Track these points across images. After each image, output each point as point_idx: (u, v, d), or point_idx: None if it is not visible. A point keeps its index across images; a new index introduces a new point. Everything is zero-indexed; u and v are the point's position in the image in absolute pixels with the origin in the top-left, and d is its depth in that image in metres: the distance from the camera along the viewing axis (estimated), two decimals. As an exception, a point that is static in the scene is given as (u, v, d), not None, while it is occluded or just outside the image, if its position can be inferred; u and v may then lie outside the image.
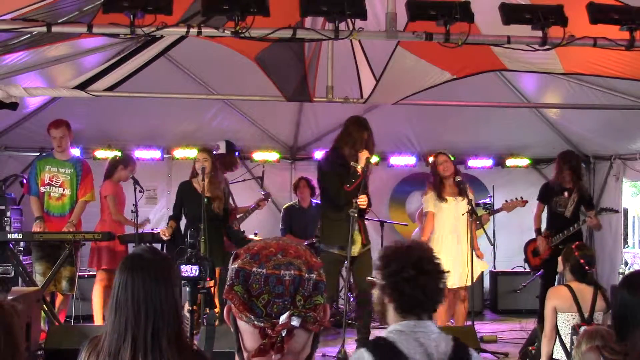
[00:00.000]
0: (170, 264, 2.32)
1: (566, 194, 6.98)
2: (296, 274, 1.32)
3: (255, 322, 1.30)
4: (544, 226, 7.25)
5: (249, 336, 1.33)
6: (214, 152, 6.95)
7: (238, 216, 7.49)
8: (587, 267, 4.39)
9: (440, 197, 6.24)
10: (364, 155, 5.63)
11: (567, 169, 6.96)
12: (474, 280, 6.18)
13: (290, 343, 1.30)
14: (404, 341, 2.26)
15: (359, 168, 5.61)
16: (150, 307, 2.14)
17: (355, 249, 5.76)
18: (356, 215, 5.42)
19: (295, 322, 1.29)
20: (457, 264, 6.17)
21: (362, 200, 5.59)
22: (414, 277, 2.34)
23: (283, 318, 1.29)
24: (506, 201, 6.84)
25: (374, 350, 2.27)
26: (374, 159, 8.92)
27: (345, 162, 5.73)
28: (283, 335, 1.29)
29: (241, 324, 1.34)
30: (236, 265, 1.34)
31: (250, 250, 1.37)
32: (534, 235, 7.29)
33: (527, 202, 6.94)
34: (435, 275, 2.36)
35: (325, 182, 5.95)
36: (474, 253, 6.13)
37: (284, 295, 1.30)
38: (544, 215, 7.26)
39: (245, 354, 1.35)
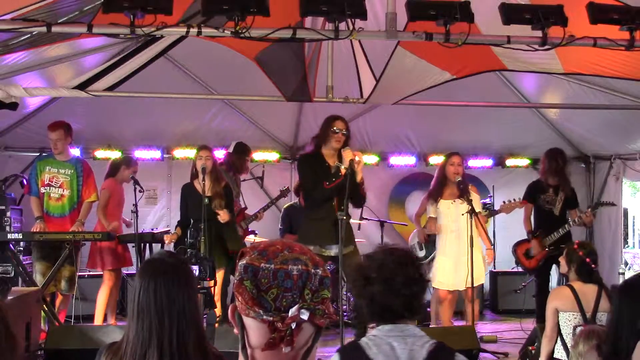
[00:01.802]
0: (190, 268, 2.32)
1: (551, 191, 6.98)
2: (303, 269, 1.35)
3: (264, 317, 1.32)
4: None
5: (255, 332, 1.36)
6: (227, 151, 7.01)
7: (263, 207, 7.49)
8: (593, 265, 4.37)
9: (438, 202, 6.25)
10: (347, 156, 5.36)
11: (551, 166, 6.97)
12: (474, 284, 6.12)
13: (298, 336, 1.33)
14: (373, 346, 2.26)
15: (343, 169, 5.35)
16: (174, 312, 2.13)
17: (334, 250, 5.53)
18: (344, 218, 5.21)
19: (304, 315, 1.32)
20: (458, 266, 6.16)
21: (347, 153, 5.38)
22: (363, 287, 2.35)
23: (293, 311, 1.32)
24: (504, 202, 6.82)
25: (342, 353, 2.30)
26: (374, 158, 8.95)
27: (320, 157, 5.57)
28: (292, 328, 1.32)
29: (247, 321, 1.37)
30: (244, 262, 1.37)
31: (257, 248, 1.40)
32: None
33: (525, 202, 6.93)
34: (385, 283, 2.32)
35: (302, 179, 5.92)
36: (478, 255, 6.11)
37: (292, 289, 1.33)
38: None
39: (249, 351, 1.37)
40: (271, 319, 1.32)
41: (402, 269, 2.34)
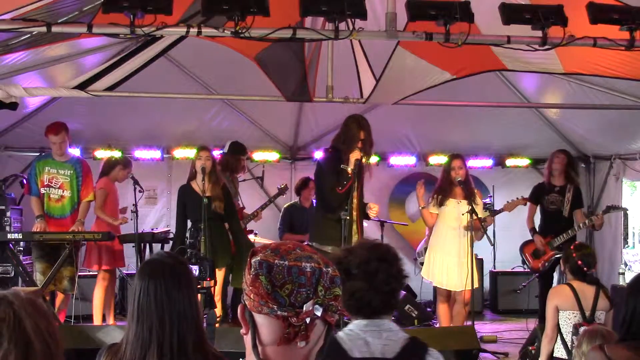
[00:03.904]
0: (189, 268, 2.32)
1: (557, 191, 7.01)
2: (316, 267, 1.37)
3: (279, 312, 1.33)
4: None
5: (268, 329, 1.37)
6: (222, 151, 6.98)
7: (261, 206, 7.47)
8: (585, 268, 4.39)
9: (442, 203, 6.23)
10: (353, 156, 5.56)
11: (557, 167, 7.01)
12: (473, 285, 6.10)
13: (312, 332, 1.35)
14: (347, 340, 2.30)
15: (349, 170, 5.55)
16: (174, 313, 2.12)
17: None
18: (348, 218, 5.37)
19: (318, 311, 1.34)
20: (458, 266, 6.13)
21: (373, 212, 5.77)
22: (343, 282, 2.36)
23: (307, 306, 1.33)
24: (507, 202, 6.82)
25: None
26: (374, 158, 8.93)
27: (342, 162, 5.67)
28: (307, 323, 1.34)
29: (259, 319, 1.38)
30: (258, 258, 1.38)
31: (268, 246, 1.42)
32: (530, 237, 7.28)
33: (527, 199, 6.94)
34: (366, 279, 2.34)
35: (322, 181, 5.89)
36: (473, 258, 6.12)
37: (306, 285, 1.35)
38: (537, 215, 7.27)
39: (260, 348, 1.38)
40: (286, 314, 1.33)
41: (384, 266, 2.37)
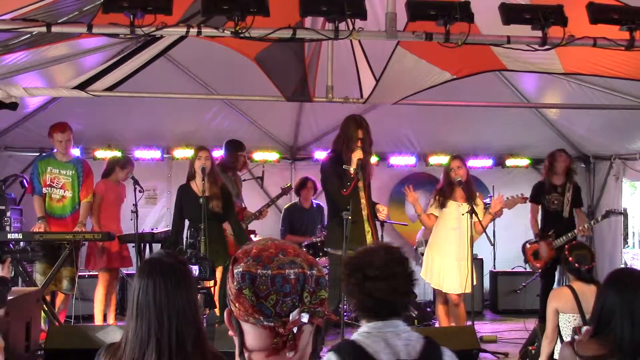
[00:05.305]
0: (189, 268, 2.32)
1: (557, 191, 7.02)
2: (300, 272, 1.35)
3: (265, 323, 1.32)
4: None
5: (253, 337, 1.36)
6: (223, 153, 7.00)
7: (266, 204, 7.45)
8: (577, 265, 4.39)
9: (444, 205, 6.21)
10: (355, 156, 5.56)
11: (557, 167, 7.02)
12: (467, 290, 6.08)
13: (301, 339, 1.34)
14: (370, 343, 2.29)
15: (351, 170, 5.54)
16: (173, 311, 2.12)
17: None
18: (350, 218, 5.35)
19: (304, 318, 1.32)
20: (456, 269, 6.11)
21: (382, 214, 5.80)
22: (361, 282, 2.38)
23: (293, 315, 1.32)
24: (507, 198, 6.82)
25: (340, 352, 2.31)
26: (374, 158, 8.94)
27: (344, 163, 5.69)
28: (294, 332, 1.32)
29: (245, 326, 1.36)
30: (240, 269, 1.36)
31: (250, 253, 1.38)
32: (533, 236, 7.29)
33: (527, 198, 6.95)
34: (387, 280, 2.36)
35: (327, 185, 5.90)
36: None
37: (291, 293, 1.33)
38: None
39: (246, 354, 1.37)
40: (272, 324, 1.32)
41: (403, 268, 2.41)
